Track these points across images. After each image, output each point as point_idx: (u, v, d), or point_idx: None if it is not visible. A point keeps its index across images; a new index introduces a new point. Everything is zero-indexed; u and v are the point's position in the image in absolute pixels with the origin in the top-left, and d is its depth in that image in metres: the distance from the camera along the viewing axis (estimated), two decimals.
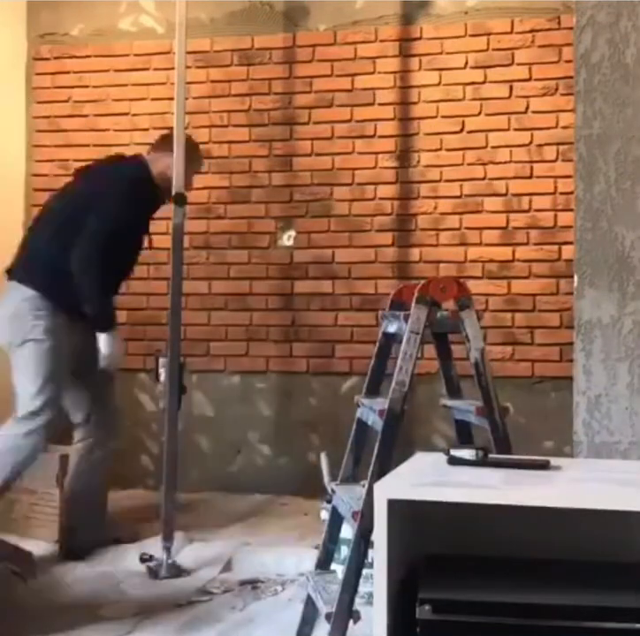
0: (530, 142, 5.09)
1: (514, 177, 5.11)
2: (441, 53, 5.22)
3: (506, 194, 5.13)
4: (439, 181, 5.21)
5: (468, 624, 1.79)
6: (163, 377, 3.99)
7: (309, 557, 3.65)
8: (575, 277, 3.42)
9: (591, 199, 3.38)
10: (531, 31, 5.10)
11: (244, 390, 5.41)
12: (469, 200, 5.17)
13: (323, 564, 2.89)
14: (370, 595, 1.88)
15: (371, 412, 2.74)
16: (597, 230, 3.38)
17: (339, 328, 5.31)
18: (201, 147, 4.63)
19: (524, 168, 5.10)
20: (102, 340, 3.95)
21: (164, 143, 4.19)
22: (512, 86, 5.12)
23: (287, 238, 5.41)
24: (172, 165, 4.08)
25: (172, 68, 4.28)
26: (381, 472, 2.43)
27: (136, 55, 5.60)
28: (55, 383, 3.91)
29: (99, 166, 4.43)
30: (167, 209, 4.27)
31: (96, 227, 3.91)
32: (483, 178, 5.15)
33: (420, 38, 5.25)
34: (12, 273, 4.10)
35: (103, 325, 3.97)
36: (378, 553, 1.80)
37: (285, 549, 4.06)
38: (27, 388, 3.90)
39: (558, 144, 5.03)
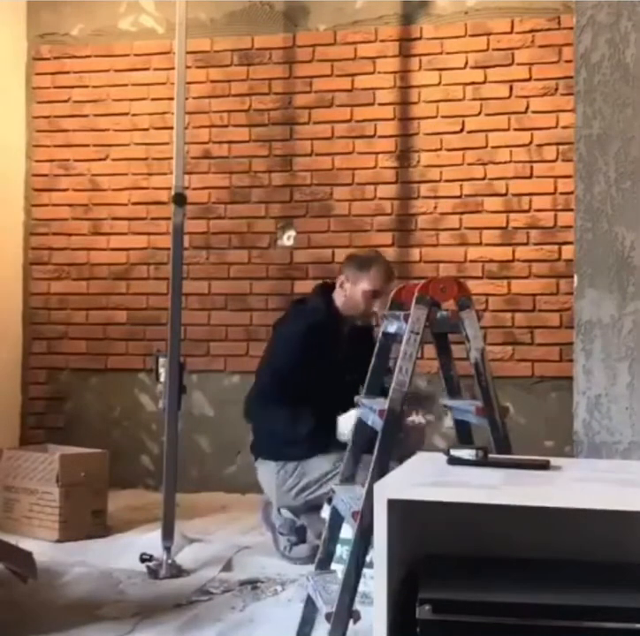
0: (530, 142, 5.09)
1: (514, 177, 5.11)
2: (441, 53, 5.22)
3: (506, 194, 5.13)
4: (439, 181, 5.21)
5: (468, 624, 1.79)
6: (163, 377, 3.98)
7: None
8: (575, 277, 3.42)
9: (591, 199, 3.39)
10: (531, 31, 5.10)
11: (244, 390, 5.38)
12: (469, 200, 5.17)
13: (323, 564, 2.88)
14: (369, 595, 1.88)
15: (371, 412, 2.73)
16: (597, 230, 3.38)
17: None
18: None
19: (524, 168, 5.10)
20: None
21: (356, 264, 4.04)
22: (512, 86, 5.12)
23: (287, 238, 5.41)
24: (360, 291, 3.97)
25: (172, 68, 4.28)
26: (381, 472, 2.42)
27: (136, 55, 5.60)
28: None
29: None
30: (167, 209, 4.26)
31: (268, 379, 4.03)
32: (483, 178, 5.16)
33: (420, 38, 5.25)
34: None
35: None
36: (378, 553, 1.80)
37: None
38: None
39: (558, 144, 5.03)
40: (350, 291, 4.01)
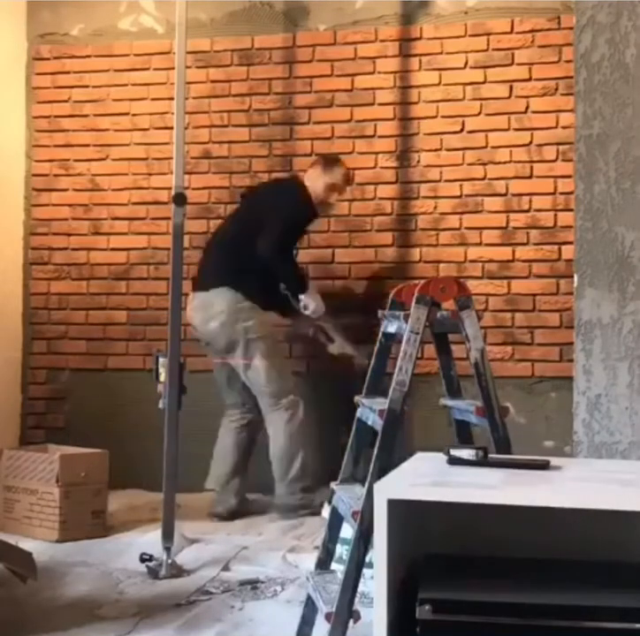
0: (530, 142, 5.09)
1: (514, 177, 5.11)
2: (441, 53, 5.22)
3: (506, 194, 5.13)
4: (439, 181, 5.21)
5: (468, 624, 1.79)
6: (163, 377, 3.98)
7: (309, 557, 3.66)
8: (575, 277, 3.42)
9: (591, 199, 3.39)
10: (531, 31, 5.10)
11: None
12: (469, 200, 5.17)
13: (323, 563, 2.88)
14: (369, 595, 1.88)
15: (371, 412, 2.74)
16: (597, 230, 3.38)
17: None
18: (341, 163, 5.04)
19: (524, 168, 5.10)
20: (304, 299, 4.84)
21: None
22: (512, 86, 5.12)
23: None
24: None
25: (172, 68, 4.27)
26: (381, 472, 2.42)
27: (136, 55, 5.60)
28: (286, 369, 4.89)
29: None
30: (167, 209, 4.26)
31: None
32: (483, 178, 5.15)
33: (420, 38, 5.25)
34: (205, 283, 4.84)
35: (301, 289, 4.84)
36: (378, 553, 1.80)
37: (284, 549, 4.06)
38: (271, 382, 4.74)
39: (558, 144, 5.03)
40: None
